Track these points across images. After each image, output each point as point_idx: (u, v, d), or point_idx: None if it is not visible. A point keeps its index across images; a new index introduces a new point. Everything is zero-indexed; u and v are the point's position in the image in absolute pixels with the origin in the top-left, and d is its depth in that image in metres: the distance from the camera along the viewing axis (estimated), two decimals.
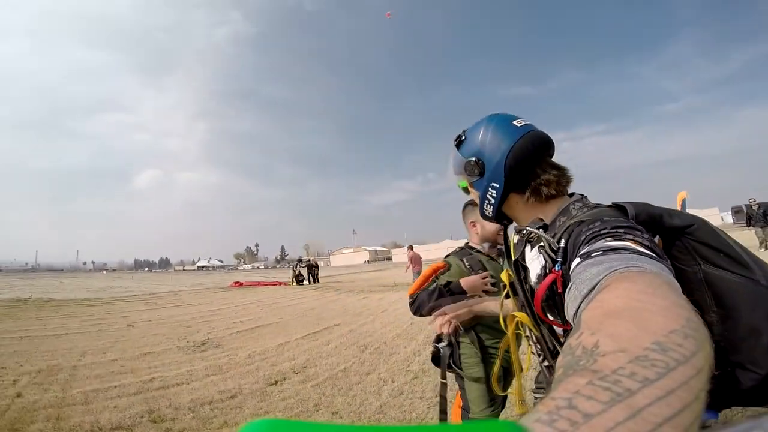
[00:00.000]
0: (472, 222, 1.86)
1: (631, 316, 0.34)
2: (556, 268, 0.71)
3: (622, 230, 0.60)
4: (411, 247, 15.14)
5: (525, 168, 0.86)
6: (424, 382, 3.65)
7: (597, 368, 0.28)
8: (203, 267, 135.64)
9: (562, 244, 0.72)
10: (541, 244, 0.78)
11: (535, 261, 0.82)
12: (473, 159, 0.91)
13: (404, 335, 5.64)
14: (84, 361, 4.66)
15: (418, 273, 12.21)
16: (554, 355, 0.84)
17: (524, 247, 0.88)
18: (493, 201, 0.90)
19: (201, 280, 26.97)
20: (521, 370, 1.62)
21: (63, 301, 12.40)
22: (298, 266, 19.66)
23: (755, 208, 11.95)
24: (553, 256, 0.73)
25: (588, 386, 0.26)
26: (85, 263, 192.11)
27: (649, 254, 0.53)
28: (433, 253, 48.52)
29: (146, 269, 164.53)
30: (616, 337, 0.31)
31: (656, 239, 0.71)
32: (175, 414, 3.04)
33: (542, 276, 0.78)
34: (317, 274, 19.53)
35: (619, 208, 0.73)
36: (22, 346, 5.46)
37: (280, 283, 19.44)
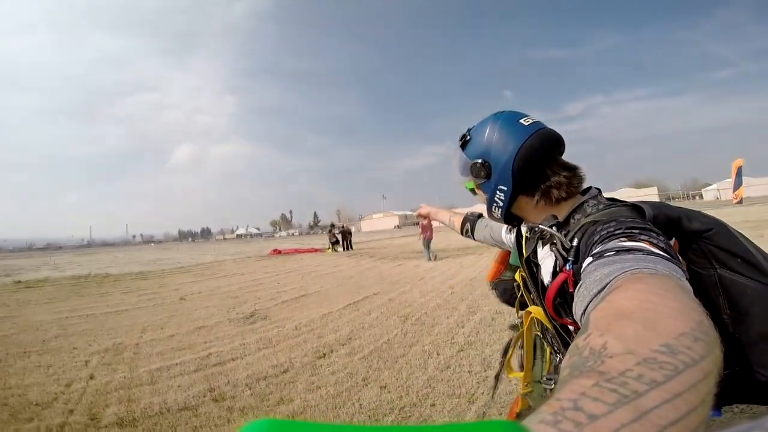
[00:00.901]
0: None
1: (641, 317, 0.34)
2: (567, 267, 0.70)
3: (636, 231, 0.58)
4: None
5: (533, 170, 0.82)
6: (471, 356, 3.63)
7: (604, 370, 0.28)
8: (242, 235, 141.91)
9: (575, 243, 0.70)
10: (554, 242, 0.77)
11: (547, 259, 0.81)
12: (479, 161, 0.88)
13: (444, 306, 5.63)
14: (145, 338, 4.99)
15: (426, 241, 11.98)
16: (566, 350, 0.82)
17: (536, 245, 0.87)
18: (501, 204, 0.88)
19: (241, 249, 28.20)
20: (541, 361, 1.55)
21: (119, 275, 13.35)
22: (333, 230, 20.13)
23: None
24: (565, 255, 0.73)
25: (594, 388, 0.26)
26: (134, 236, 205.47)
27: (662, 255, 0.52)
28: None
29: (190, 239, 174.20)
30: (624, 339, 0.31)
31: (672, 241, 0.70)
32: (234, 391, 3.20)
33: (554, 274, 0.77)
34: (351, 240, 19.88)
35: (636, 208, 0.73)
36: (89, 324, 5.91)
37: (316, 250, 20.02)
